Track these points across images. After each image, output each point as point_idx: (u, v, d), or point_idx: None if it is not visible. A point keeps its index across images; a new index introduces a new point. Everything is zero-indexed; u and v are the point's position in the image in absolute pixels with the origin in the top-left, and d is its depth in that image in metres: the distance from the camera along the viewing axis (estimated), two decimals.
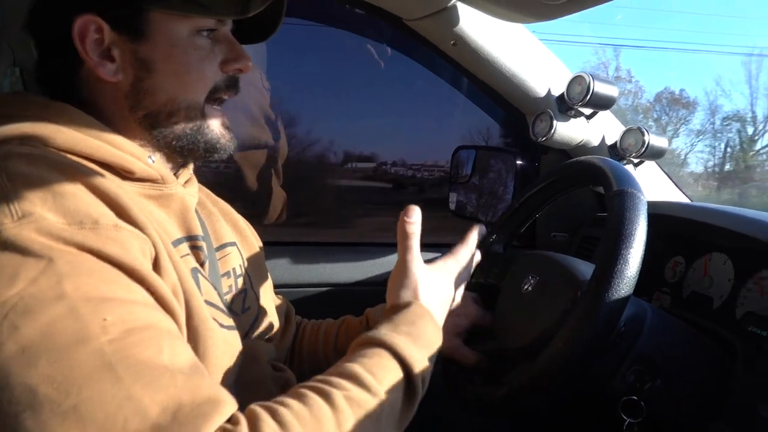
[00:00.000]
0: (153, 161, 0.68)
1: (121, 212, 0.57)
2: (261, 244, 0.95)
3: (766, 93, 16.97)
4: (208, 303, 0.66)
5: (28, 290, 0.46)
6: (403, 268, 0.75)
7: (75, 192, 0.54)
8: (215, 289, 0.71)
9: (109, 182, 0.58)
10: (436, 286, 0.76)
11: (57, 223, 0.50)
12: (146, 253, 0.57)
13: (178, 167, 0.76)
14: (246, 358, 0.71)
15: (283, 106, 1.72)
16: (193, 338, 0.61)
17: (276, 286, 0.98)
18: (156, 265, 0.58)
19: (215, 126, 0.73)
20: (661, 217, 1.05)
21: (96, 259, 0.51)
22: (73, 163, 0.58)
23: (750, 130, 16.71)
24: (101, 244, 0.51)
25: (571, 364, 0.68)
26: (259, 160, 1.88)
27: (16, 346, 0.44)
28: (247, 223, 0.95)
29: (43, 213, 0.50)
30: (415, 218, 0.74)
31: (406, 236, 0.75)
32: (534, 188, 0.99)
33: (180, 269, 0.61)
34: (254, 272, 0.88)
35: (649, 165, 1.30)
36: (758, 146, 16.54)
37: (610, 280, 0.65)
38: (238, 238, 0.88)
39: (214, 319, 0.65)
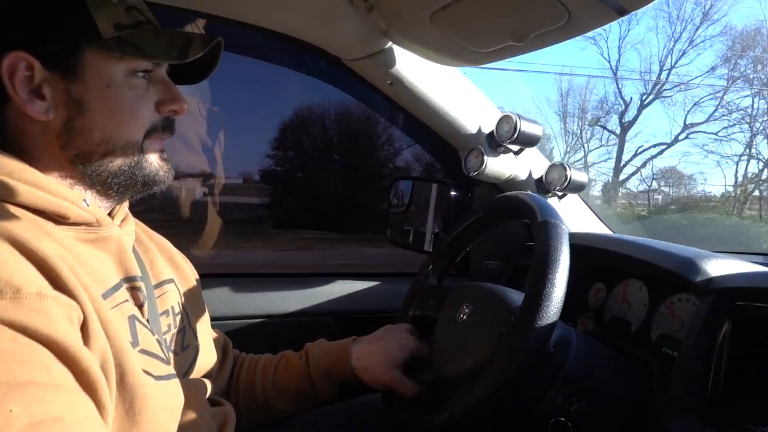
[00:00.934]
0: (87, 204, 0.67)
1: (50, 274, 0.54)
2: (197, 278, 0.94)
3: (574, 111, 18.12)
4: (145, 352, 0.65)
5: None
6: None
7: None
8: (154, 334, 0.70)
9: (38, 240, 0.56)
10: None
11: None
12: (74, 320, 0.55)
13: (113, 204, 0.74)
14: (185, 402, 0.70)
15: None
16: (129, 396, 0.60)
17: (213, 319, 0.97)
18: (84, 330, 0.56)
19: (153, 159, 0.72)
20: (583, 247, 1.13)
21: (14, 334, 0.48)
22: (1, 222, 0.56)
23: (552, 144, 18.00)
24: (22, 316, 0.49)
25: (508, 384, 0.71)
26: (195, 188, 1.86)
27: None
28: (184, 256, 0.94)
29: None
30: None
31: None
32: (464, 223, 1.04)
33: (111, 329, 0.59)
34: (192, 308, 0.87)
35: (573, 198, 1.39)
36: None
37: (541, 300, 0.71)
38: (176, 274, 0.87)
39: (149, 373, 0.64)
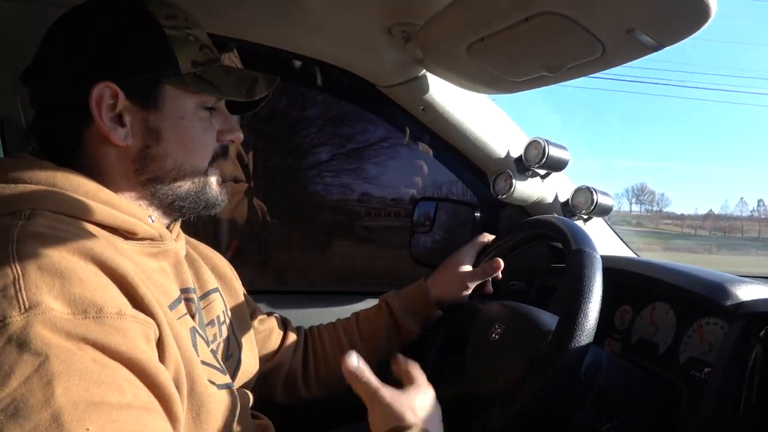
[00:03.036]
0: (152, 220, 0.72)
1: (129, 292, 0.57)
2: (243, 290, 0.98)
3: None
4: (205, 363, 0.68)
5: (19, 391, 0.45)
6: (377, 408, 0.69)
7: (82, 276, 0.53)
8: (208, 344, 0.73)
9: (117, 258, 0.58)
10: (423, 405, 0.73)
11: (62, 314, 0.50)
12: (150, 337, 0.57)
13: (171, 222, 0.79)
14: (238, 412, 0.74)
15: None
16: (197, 405, 0.63)
17: None
18: (160, 345, 0.58)
19: (214, 185, 0.78)
20: (609, 269, 1.14)
21: (95, 354, 0.50)
22: (84, 241, 0.58)
23: None
24: (103, 336, 0.51)
25: (537, 409, 0.74)
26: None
27: None
28: (231, 267, 0.98)
29: (49, 303, 0.50)
30: (355, 363, 0.71)
31: (357, 380, 0.71)
32: (500, 241, 1.07)
33: (180, 342, 0.63)
34: (236, 318, 0.91)
35: (597, 221, 1.41)
36: None
37: (573, 331, 0.73)
38: (220, 284, 0.91)
39: (212, 382, 0.68)
